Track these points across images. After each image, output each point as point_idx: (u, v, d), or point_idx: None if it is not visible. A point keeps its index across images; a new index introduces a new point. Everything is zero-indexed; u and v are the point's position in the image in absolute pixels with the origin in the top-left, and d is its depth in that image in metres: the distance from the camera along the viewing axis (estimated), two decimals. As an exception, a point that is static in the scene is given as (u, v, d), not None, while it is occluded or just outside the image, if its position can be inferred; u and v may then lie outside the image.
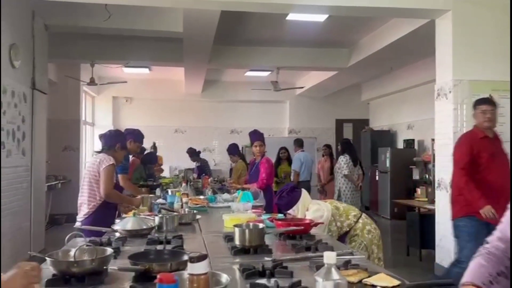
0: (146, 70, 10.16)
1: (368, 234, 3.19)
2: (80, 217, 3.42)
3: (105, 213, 3.39)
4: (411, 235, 6.24)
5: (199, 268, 1.09)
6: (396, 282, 1.66)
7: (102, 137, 3.67)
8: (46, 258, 1.82)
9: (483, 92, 4.97)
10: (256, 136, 5.16)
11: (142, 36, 7.60)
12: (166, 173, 9.76)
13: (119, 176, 4.45)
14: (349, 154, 7.21)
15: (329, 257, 1.16)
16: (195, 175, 8.03)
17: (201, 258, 1.10)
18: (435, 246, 5.27)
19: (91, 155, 11.24)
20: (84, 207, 3.42)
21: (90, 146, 11.43)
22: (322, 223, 2.97)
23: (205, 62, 8.09)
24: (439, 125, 5.23)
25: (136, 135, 4.77)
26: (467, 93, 4.97)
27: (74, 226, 3.46)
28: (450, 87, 5.00)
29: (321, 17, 6.47)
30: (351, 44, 8.25)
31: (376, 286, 1.65)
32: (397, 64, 8.70)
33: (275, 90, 8.78)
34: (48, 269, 1.90)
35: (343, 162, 7.15)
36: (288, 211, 3.31)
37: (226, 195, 4.66)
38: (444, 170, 5.14)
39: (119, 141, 3.58)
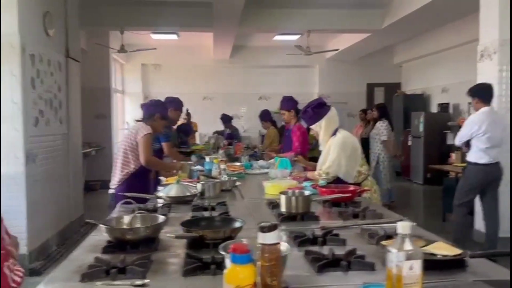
0: (174, 37, 10.06)
1: (375, 193, 3.23)
2: (114, 183, 3.45)
3: (139, 180, 3.40)
4: (447, 200, 6.11)
5: (271, 238, 1.07)
6: (457, 251, 1.60)
7: (143, 106, 3.68)
8: (101, 225, 1.84)
9: (531, 52, 4.71)
10: (282, 104, 5.08)
11: (171, 1, 7.50)
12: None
13: (164, 144, 4.55)
14: (387, 119, 7.01)
15: (403, 226, 1.12)
16: (225, 142, 8.03)
17: (272, 228, 1.07)
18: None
19: (122, 123, 11.41)
20: (117, 174, 3.44)
21: (121, 113, 11.57)
22: (369, 189, 2.93)
23: (235, 26, 7.93)
24: (482, 88, 5.01)
25: (177, 103, 4.80)
26: (514, 54, 4.73)
27: (109, 192, 3.51)
28: (496, 47, 4.75)
29: (356, -24, 6.21)
30: (385, 5, 7.91)
31: (436, 254, 1.60)
32: (434, 25, 8.32)
33: (306, 54, 8.58)
34: (100, 236, 1.94)
35: (382, 128, 6.85)
36: (311, 126, 3.35)
37: (262, 162, 4.64)
38: (486, 134, 4.96)
39: (159, 111, 3.58)
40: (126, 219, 1.94)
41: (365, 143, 8.30)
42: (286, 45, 10.27)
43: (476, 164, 4.56)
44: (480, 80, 5.06)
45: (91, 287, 1.44)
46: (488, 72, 4.90)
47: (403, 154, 7.11)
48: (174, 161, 4.36)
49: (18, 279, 1.20)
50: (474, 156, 4.57)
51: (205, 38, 9.75)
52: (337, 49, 9.84)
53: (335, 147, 3.19)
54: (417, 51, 10.53)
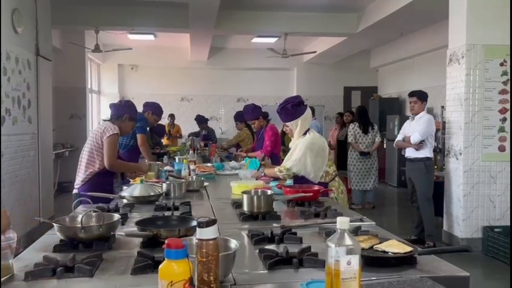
0: (151, 37, 10.00)
1: (341, 194, 3.26)
2: (77, 183, 3.36)
3: (103, 180, 3.32)
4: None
5: (208, 233, 1.06)
6: (408, 249, 1.62)
7: (112, 106, 3.60)
8: (54, 224, 1.81)
9: (497, 57, 4.83)
10: (247, 115, 5.13)
11: (147, 1, 7.45)
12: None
13: (138, 135, 4.52)
14: (359, 121, 7.14)
15: (342, 222, 1.12)
16: (201, 143, 8.01)
17: (210, 223, 1.06)
18: (443, 213, 5.26)
19: (97, 123, 11.25)
20: (81, 173, 3.36)
21: (96, 114, 11.42)
22: (332, 189, 2.95)
23: (211, 28, 7.92)
24: (450, 92, 5.12)
25: (155, 108, 4.79)
26: (481, 58, 4.83)
27: (73, 192, 3.43)
28: (463, 52, 4.85)
29: (331, -20, 6.27)
30: (360, 9, 8.02)
31: (387, 252, 1.62)
32: (407, 29, 8.46)
33: (282, 56, 8.61)
34: (56, 235, 1.90)
35: (349, 130, 7.14)
36: (288, 123, 3.30)
37: (233, 163, 4.63)
38: (454, 137, 5.07)
39: (128, 112, 3.49)
40: (80, 218, 1.90)
41: (341, 145, 8.41)
42: (264, 48, 10.31)
43: (431, 159, 5.15)
44: (450, 83, 5.17)
45: (35, 286, 1.41)
46: (456, 75, 5.00)
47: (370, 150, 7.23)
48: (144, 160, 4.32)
49: None
50: (429, 151, 5.12)
51: (182, 39, 9.71)
52: (314, 52, 9.91)
53: (302, 146, 3.19)
54: (392, 55, 10.68)
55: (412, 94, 5.25)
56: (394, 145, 5.57)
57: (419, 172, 5.12)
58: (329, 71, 11.97)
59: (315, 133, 3.36)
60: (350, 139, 7.11)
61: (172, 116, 10.12)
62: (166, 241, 1.01)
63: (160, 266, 1.02)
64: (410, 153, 5.24)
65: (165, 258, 1.01)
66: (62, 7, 7.04)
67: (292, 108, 3.27)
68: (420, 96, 5.18)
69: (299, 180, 3.17)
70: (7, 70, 4.61)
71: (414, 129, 5.12)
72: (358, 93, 12.26)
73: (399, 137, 5.45)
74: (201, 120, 8.80)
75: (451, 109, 5.12)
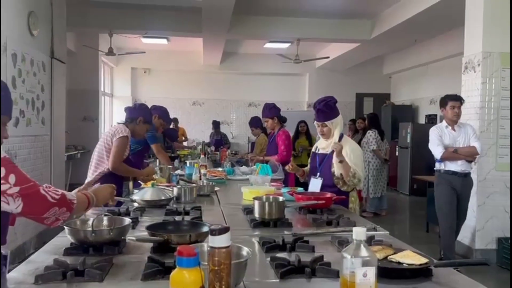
0: (164, 41, 10.06)
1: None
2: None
3: (111, 182, 3.28)
4: (431, 211, 6.11)
5: (221, 241, 1.03)
6: (423, 260, 1.58)
7: (127, 109, 3.62)
8: (65, 227, 1.80)
9: (514, 65, 4.75)
10: (264, 111, 5.09)
11: (160, 5, 7.50)
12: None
13: (153, 146, 4.55)
14: (377, 128, 7.06)
15: (358, 232, 1.09)
16: (212, 148, 8.02)
17: (223, 230, 1.03)
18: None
19: (110, 126, 11.32)
20: (90, 174, 3.37)
21: (109, 117, 11.50)
22: (344, 198, 2.90)
23: (224, 32, 7.94)
24: (466, 100, 5.03)
25: (162, 112, 4.78)
26: (497, 67, 4.76)
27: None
28: (479, 59, 4.78)
29: (345, -14, 6.25)
30: (374, 15, 7.98)
31: (402, 263, 1.58)
32: (422, 36, 8.40)
33: (294, 61, 8.60)
34: (67, 238, 1.89)
35: (371, 137, 6.98)
36: (328, 122, 3.02)
37: (244, 168, 4.61)
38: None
39: (142, 115, 3.49)
40: (91, 221, 1.89)
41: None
42: (277, 53, 10.30)
43: None
44: (465, 91, 5.09)
45: (45, 290, 1.40)
46: (471, 84, 4.93)
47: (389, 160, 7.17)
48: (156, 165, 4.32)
49: (57, 196, 1.44)
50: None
51: (195, 43, 9.75)
52: (327, 57, 9.86)
53: (357, 154, 3.01)
54: (406, 62, 10.60)
55: (457, 98, 4.45)
56: (441, 157, 4.38)
57: (471, 188, 4.54)
58: (342, 77, 11.91)
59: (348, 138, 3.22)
60: (374, 146, 6.95)
61: (175, 120, 10.10)
62: (178, 249, 0.99)
63: (171, 274, 1.00)
64: (464, 166, 4.39)
65: (177, 266, 0.99)
66: (77, 10, 7.11)
67: (334, 105, 3.02)
68: (462, 101, 4.52)
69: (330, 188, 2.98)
70: (22, 72, 4.65)
71: (466, 138, 4.38)
72: (370, 99, 12.19)
73: (441, 147, 4.36)
74: (216, 125, 8.87)
75: (465, 117, 5.03)
